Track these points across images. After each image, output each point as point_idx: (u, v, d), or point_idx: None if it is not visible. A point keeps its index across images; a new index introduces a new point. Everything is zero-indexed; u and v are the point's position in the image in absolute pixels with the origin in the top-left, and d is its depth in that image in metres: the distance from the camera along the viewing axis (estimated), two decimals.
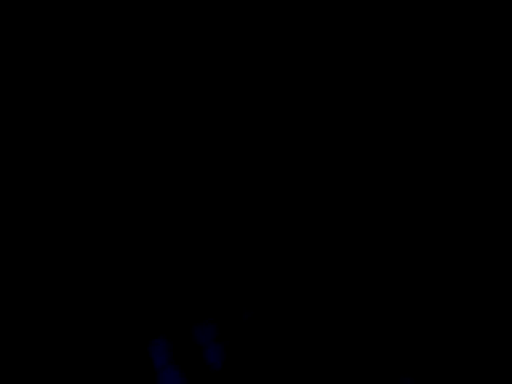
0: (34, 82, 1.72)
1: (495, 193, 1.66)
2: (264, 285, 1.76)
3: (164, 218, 1.82)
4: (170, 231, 1.83)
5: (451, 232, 1.69)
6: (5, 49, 1.67)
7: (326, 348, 1.61)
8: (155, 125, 1.80)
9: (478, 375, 1.53)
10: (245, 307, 1.73)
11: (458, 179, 1.72)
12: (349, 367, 1.57)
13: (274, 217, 1.82)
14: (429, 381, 1.54)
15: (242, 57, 1.79)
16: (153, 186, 1.81)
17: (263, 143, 1.82)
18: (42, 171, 1.74)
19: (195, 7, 1.78)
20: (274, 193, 1.83)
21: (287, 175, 1.82)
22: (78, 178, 1.75)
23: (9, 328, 1.64)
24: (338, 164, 1.80)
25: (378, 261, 1.73)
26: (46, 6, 1.68)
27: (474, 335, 1.58)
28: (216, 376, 1.63)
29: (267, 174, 1.83)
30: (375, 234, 1.76)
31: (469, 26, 1.69)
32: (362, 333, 1.64)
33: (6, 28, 1.64)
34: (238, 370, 1.61)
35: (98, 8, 1.74)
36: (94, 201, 1.76)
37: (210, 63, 1.79)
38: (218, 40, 1.78)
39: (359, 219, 1.78)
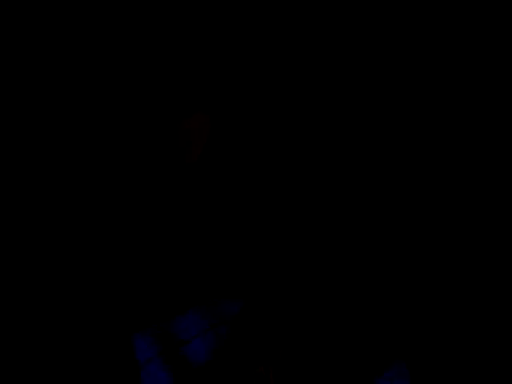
0: (34, 81, 1.72)
1: (495, 193, 1.65)
2: (255, 271, 1.72)
3: (142, 203, 1.80)
4: (149, 218, 1.80)
5: (451, 231, 1.68)
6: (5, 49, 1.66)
7: (321, 342, 1.57)
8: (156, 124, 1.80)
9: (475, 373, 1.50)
10: (234, 297, 1.69)
11: (457, 179, 1.71)
12: (344, 361, 1.54)
13: (263, 201, 1.80)
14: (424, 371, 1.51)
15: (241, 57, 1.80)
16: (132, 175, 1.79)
17: (262, 142, 1.82)
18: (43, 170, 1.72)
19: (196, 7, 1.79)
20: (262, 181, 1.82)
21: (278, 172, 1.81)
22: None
23: None
24: (338, 163, 1.79)
25: (376, 259, 1.71)
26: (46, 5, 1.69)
27: (472, 333, 1.56)
28: (203, 370, 1.59)
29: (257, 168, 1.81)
30: (373, 232, 1.74)
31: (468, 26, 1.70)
32: (358, 326, 1.61)
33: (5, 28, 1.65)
34: (227, 364, 1.57)
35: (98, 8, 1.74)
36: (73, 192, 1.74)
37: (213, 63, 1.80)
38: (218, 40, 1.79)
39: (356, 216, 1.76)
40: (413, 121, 1.75)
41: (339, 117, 1.78)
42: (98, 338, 1.70)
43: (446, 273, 1.66)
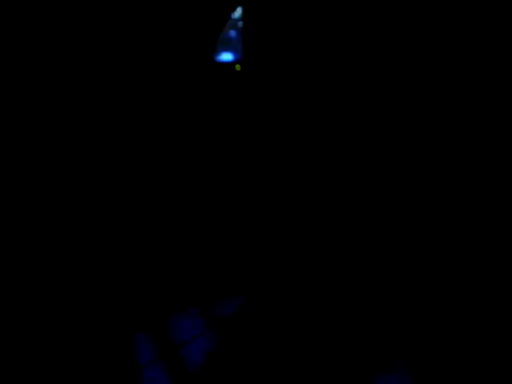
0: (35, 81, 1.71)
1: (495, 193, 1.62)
2: (252, 270, 1.71)
3: (142, 205, 1.79)
4: (149, 220, 1.80)
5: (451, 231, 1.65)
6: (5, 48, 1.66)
7: (320, 340, 1.56)
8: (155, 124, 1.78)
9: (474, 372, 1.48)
10: (231, 297, 1.68)
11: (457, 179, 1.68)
12: (344, 361, 1.52)
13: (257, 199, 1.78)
14: (424, 371, 1.49)
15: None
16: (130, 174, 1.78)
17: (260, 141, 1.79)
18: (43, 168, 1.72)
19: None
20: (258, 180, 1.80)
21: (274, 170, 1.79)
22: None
23: None
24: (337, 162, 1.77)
25: (375, 255, 1.69)
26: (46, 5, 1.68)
27: (472, 334, 1.54)
28: (202, 371, 1.59)
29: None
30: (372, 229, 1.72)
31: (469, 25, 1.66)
32: (357, 324, 1.59)
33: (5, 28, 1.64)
34: (224, 366, 1.56)
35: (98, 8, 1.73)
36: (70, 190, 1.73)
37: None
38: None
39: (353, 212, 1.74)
40: (413, 121, 1.72)
41: (339, 116, 1.76)
42: (99, 339, 1.70)
43: (446, 275, 1.64)
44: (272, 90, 1.68)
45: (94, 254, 1.78)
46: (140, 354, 1.67)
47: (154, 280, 1.76)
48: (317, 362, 1.54)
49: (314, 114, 1.70)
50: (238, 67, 1.64)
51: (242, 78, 1.66)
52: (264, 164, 1.75)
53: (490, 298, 1.55)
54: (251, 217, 1.77)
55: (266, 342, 1.55)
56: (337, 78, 1.63)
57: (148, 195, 1.79)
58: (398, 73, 1.64)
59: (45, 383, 1.63)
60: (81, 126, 1.66)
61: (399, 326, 1.58)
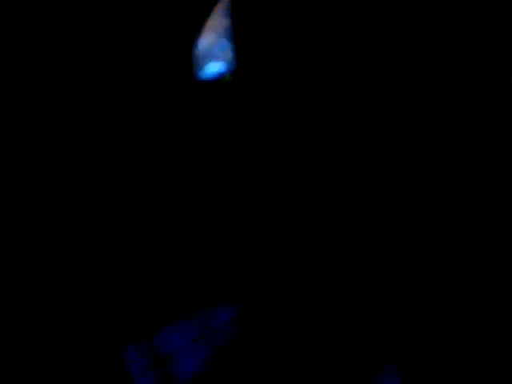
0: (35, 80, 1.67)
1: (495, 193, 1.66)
2: (247, 279, 1.72)
3: (135, 210, 1.78)
4: (138, 228, 1.78)
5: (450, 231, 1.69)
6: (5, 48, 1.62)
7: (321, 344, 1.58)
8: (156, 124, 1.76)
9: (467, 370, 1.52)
10: (222, 307, 1.69)
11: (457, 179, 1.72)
12: (339, 364, 1.54)
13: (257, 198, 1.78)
14: (414, 369, 1.52)
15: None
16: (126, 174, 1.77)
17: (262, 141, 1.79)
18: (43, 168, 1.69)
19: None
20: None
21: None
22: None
23: None
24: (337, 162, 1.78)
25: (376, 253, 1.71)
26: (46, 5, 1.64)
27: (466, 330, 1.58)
28: (194, 382, 1.59)
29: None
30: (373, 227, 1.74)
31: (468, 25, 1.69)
32: (354, 328, 1.62)
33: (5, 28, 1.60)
34: (216, 377, 1.57)
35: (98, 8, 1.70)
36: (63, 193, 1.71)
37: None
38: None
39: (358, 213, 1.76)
40: (413, 121, 1.74)
41: (339, 117, 1.77)
42: (90, 352, 1.68)
43: (438, 277, 1.67)
44: (272, 97, 1.68)
45: (82, 262, 1.76)
46: (131, 366, 1.67)
47: (144, 290, 1.75)
48: (311, 366, 1.56)
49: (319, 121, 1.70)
50: (227, 78, 1.63)
51: (234, 90, 1.65)
52: (258, 173, 1.75)
53: (478, 298, 1.59)
54: (245, 222, 1.78)
55: (259, 352, 1.57)
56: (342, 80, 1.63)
57: (135, 205, 1.78)
58: (398, 74, 1.66)
59: None
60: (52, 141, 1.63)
61: (389, 326, 1.61)
